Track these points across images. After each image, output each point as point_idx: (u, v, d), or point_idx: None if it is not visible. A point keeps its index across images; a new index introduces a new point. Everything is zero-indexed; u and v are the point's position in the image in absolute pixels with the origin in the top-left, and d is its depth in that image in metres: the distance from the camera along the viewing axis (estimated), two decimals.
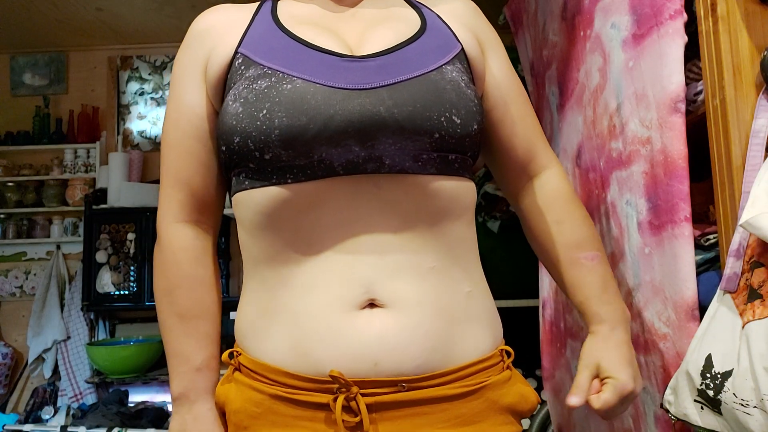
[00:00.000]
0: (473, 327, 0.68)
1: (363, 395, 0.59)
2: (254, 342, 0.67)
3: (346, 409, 0.59)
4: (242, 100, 0.61)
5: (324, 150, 0.59)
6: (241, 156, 0.62)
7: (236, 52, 0.67)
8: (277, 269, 0.65)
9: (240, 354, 0.69)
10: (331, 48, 0.65)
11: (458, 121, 0.62)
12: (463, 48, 0.71)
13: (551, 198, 0.76)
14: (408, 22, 0.70)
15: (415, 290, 0.62)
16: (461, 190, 0.67)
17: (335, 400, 0.59)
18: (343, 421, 0.58)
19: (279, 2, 0.74)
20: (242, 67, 0.65)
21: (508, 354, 0.71)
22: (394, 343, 0.60)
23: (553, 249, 0.76)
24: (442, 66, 0.65)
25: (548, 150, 0.78)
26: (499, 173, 0.81)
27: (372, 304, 0.61)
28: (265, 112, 0.60)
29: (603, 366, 0.70)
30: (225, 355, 0.72)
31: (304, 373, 0.61)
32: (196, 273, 0.75)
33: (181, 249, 0.74)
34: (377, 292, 0.61)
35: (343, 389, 0.59)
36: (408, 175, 0.61)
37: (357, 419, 0.59)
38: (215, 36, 0.70)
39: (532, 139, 0.77)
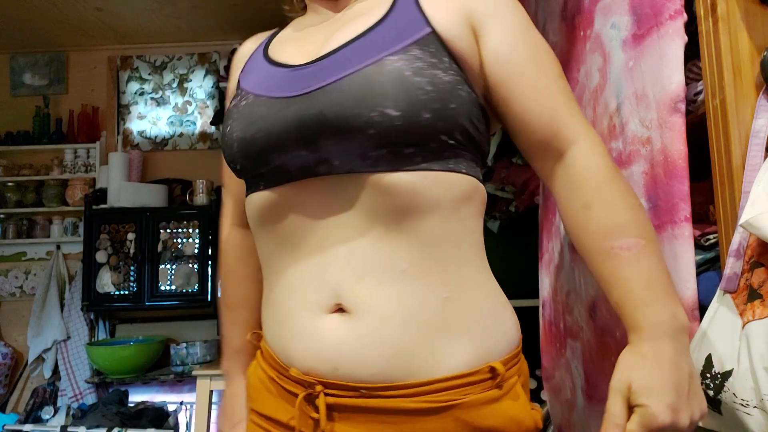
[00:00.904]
0: (450, 338, 0.61)
1: (326, 395, 0.62)
2: (263, 328, 0.74)
3: (312, 405, 0.63)
4: (224, 122, 0.71)
5: (277, 157, 0.63)
6: (231, 169, 0.71)
7: (239, 81, 0.75)
8: (272, 269, 0.70)
9: (261, 337, 0.76)
10: (291, 60, 0.69)
11: (395, 114, 0.58)
12: (434, 30, 0.63)
13: (579, 179, 0.64)
14: (374, 15, 0.67)
15: (380, 295, 0.61)
16: (426, 183, 0.61)
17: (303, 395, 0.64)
18: (311, 416, 0.63)
19: (293, 21, 0.83)
20: (237, 93, 0.73)
21: (493, 371, 0.62)
22: (351, 349, 0.61)
23: (584, 240, 0.63)
24: (383, 58, 0.60)
25: (575, 121, 0.66)
26: (527, 156, 0.71)
27: (341, 309, 0.63)
28: (228, 128, 0.68)
29: (633, 389, 0.57)
30: (249, 335, 0.80)
31: (285, 364, 0.67)
32: (240, 269, 0.85)
33: (230, 248, 0.87)
34: (343, 297, 0.62)
35: (308, 387, 0.63)
36: (360, 174, 0.61)
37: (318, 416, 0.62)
38: (236, 68, 0.80)
39: (551, 112, 0.65)
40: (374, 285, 0.61)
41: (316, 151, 0.61)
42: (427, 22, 0.64)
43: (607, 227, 0.62)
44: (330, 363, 0.61)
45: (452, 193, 0.63)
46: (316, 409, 0.62)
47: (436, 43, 0.63)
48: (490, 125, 0.71)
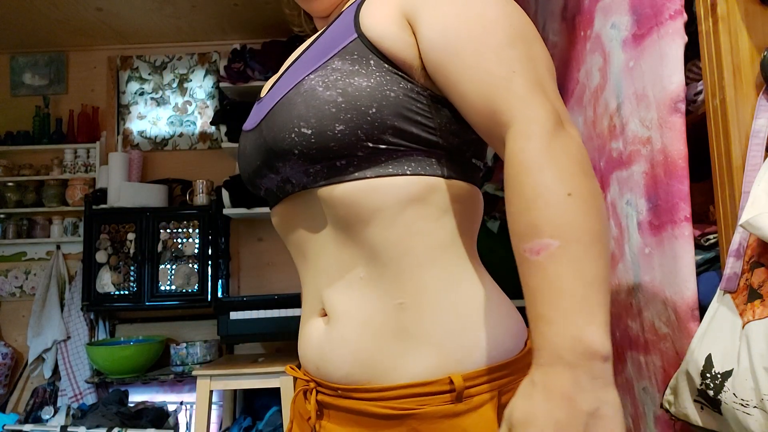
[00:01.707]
0: (408, 344, 0.60)
1: (318, 392, 0.66)
2: None
3: (308, 400, 0.68)
4: None
5: (260, 182, 0.71)
6: None
7: None
8: (300, 274, 0.75)
9: None
10: (265, 91, 0.76)
11: (309, 132, 0.60)
12: (361, 35, 0.63)
13: (506, 170, 0.55)
14: (319, 34, 0.71)
15: (344, 301, 0.64)
16: (361, 193, 0.61)
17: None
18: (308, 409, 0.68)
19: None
20: None
21: (451, 384, 0.59)
22: (325, 351, 0.65)
23: (512, 243, 0.55)
24: (304, 78, 0.62)
25: (512, 99, 0.55)
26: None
27: (325, 313, 0.67)
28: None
29: (513, 421, 0.49)
30: None
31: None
32: None
33: None
34: (324, 302, 0.67)
35: (304, 382, 0.69)
36: (311, 190, 0.65)
37: (316, 408, 0.67)
38: None
39: (487, 93, 0.56)
40: (341, 291, 0.65)
41: (278, 173, 0.67)
42: (356, 28, 0.63)
43: (520, 226, 0.52)
44: (313, 363, 0.67)
45: (392, 199, 0.61)
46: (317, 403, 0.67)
47: (360, 47, 0.62)
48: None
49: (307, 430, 0.69)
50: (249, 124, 0.72)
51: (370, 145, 0.60)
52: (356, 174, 0.61)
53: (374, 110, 0.59)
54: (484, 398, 0.59)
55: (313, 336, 0.67)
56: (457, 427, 0.58)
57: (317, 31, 0.86)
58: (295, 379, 0.74)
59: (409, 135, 0.61)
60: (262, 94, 0.77)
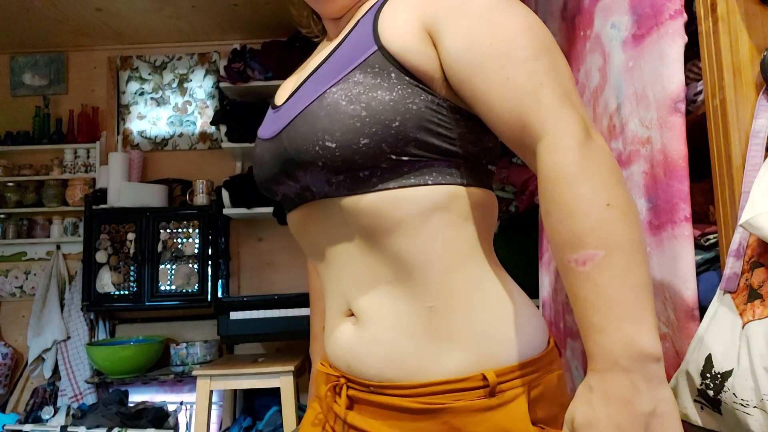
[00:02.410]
0: (441, 344, 0.63)
1: (349, 387, 0.69)
2: None
3: (338, 395, 0.71)
4: None
5: (277, 188, 0.72)
6: None
7: None
8: (320, 276, 0.77)
9: None
10: (280, 99, 0.77)
11: (333, 146, 0.61)
12: (381, 47, 0.63)
13: (542, 180, 0.57)
14: (340, 38, 0.71)
15: (376, 304, 0.67)
16: (384, 204, 0.63)
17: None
18: (336, 403, 0.71)
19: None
20: None
21: (485, 379, 0.62)
22: (357, 351, 0.68)
23: (552, 251, 0.58)
24: (326, 91, 0.64)
25: (541, 111, 0.57)
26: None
27: (353, 314, 0.70)
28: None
29: (575, 425, 0.53)
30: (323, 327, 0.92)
31: (328, 360, 0.76)
32: None
33: None
34: (351, 304, 0.69)
35: (335, 378, 0.72)
36: (333, 199, 0.67)
37: (347, 403, 0.70)
38: None
39: (515, 106, 0.58)
40: (370, 295, 0.67)
41: (298, 181, 0.68)
42: (376, 40, 0.64)
43: (563, 237, 0.54)
44: (344, 361, 0.70)
45: (415, 209, 0.63)
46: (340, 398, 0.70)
47: (381, 60, 0.63)
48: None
49: (322, 423, 0.74)
50: (265, 132, 0.73)
51: (394, 157, 0.62)
52: (379, 185, 0.63)
53: (398, 123, 0.61)
54: (516, 393, 0.62)
55: (342, 336, 0.70)
56: (489, 420, 0.60)
57: (326, 32, 0.85)
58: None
59: (431, 146, 0.63)
60: (277, 101, 0.77)
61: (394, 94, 0.62)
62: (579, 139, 0.55)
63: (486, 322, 0.64)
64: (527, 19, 0.61)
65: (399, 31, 0.64)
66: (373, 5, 0.70)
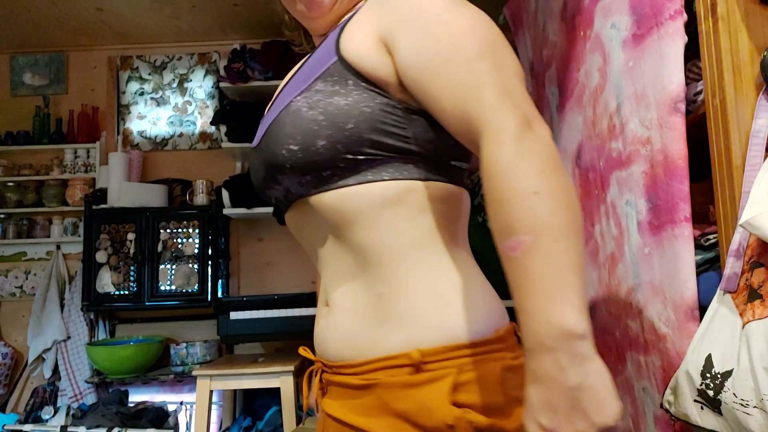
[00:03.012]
0: (382, 327, 0.68)
1: (323, 372, 0.76)
2: None
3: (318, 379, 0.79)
4: None
5: (268, 193, 0.78)
6: None
7: None
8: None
9: None
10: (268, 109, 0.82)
11: (296, 148, 0.68)
12: (341, 57, 0.69)
13: (482, 176, 0.60)
14: (309, 55, 0.78)
15: (339, 294, 0.73)
16: (344, 199, 0.69)
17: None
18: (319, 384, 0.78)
19: None
20: None
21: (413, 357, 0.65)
22: (324, 335, 0.75)
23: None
24: (292, 100, 0.70)
25: (483, 108, 0.60)
26: None
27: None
28: None
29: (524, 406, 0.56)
30: None
31: None
32: None
33: None
34: (328, 296, 0.76)
35: (314, 363, 0.79)
36: (306, 198, 0.72)
37: (321, 387, 0.78)
38: None
39: (460, 105, 0.62)
40: (338, 285, 0.74)
41: (280, 184, 0.74)
42: (337, 51, 0.70)
43: (499, 226, 0.57)
44: (317, 345, 0.77)
45: (371, 202, 0.69)
46: (320, 382, 0.78)
47: (340, 69, 0.69)
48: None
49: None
50: (255, 140, 0.79)
51: (350, 156, 0.67)
52: (340, 182, 0.69)
53: (352, 125, 0.66)
54: (443, 373, 0.64)
55: (319, 323, 0.78)
56: (413, 397, 0.64)
57: (316, 48, 0.92)
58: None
59: (385, 145, 0.68)
60: (267, 110, 0.84)
61: (350, 99, 0.67)
62: (514, 132, 0.57)
63: (426, 304, 0.67)
64: (472, 21, 0.65)
65: (356, 42, 0.69)
66: (342, 22, 0.76)
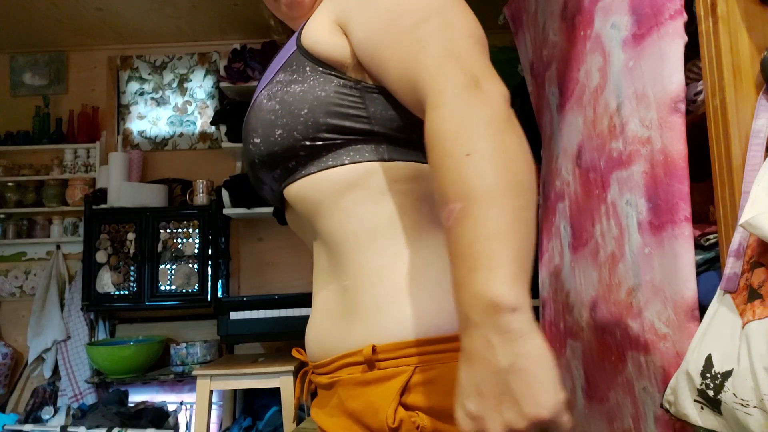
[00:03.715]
0: (346, 321, 0.65)
1: (314, 373, 0.74)
2: None
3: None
4: None
5: (262, 193, 0.77)
6: None
7: None
8: None
9: None
10: None
11: (258, 141, 0.68)
12: (299, 47, 0.69)
13: (425, 143, 0.55)
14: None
15: (317, 291, 0.74)
16: (307, 188, 0.68)
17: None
18: (308, 385, 0.77)
19: None
20: None
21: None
22: (306, 337, 0.75)
23: None
24: (257, 96, 0.71)
25: (426, 73, 0.56)
26: None
27: None
28: None
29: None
30: None
31: None
32: None
33: None
34: (313, 294, 0.75)
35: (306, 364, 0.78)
36: (282, 191, 0.72)
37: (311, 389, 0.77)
38: None
39: (406, 73, 0.58)
40: (317, 282, 0.74)
41: (264, 183, 0.74)
42: (297, 41, 0.70)
43: (437, 194, 0.52)
44: (305, 346, 0.76)
45: (332, 189, 0.66)
46: (309, 383, 0.77)
47: (298, 57, 0.68)
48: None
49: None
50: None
51: (308, 143, 0.66)
52: (303, 172, 0.68)
53: (306, 111, 0.65)
54: (397, 371, 0.59)
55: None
56: (364, 396, 0.60)
57: None
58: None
59: (342, 128, 0.65)
60: None
61: (305, 85, 0.66)
62: (454, 92, 0.52)
63: (383, 297, 0.63)
64: None
65: (313, 29, 0.69)
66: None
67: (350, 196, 0.66)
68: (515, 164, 0.50)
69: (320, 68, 0.66)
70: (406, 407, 0.58)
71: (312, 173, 0.67)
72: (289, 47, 0.72)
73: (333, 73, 0.66)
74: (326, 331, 0.69)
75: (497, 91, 0.53)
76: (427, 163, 0.64)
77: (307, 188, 0.68)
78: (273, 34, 0.99)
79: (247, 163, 0.73)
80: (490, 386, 0.45)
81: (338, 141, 0.66)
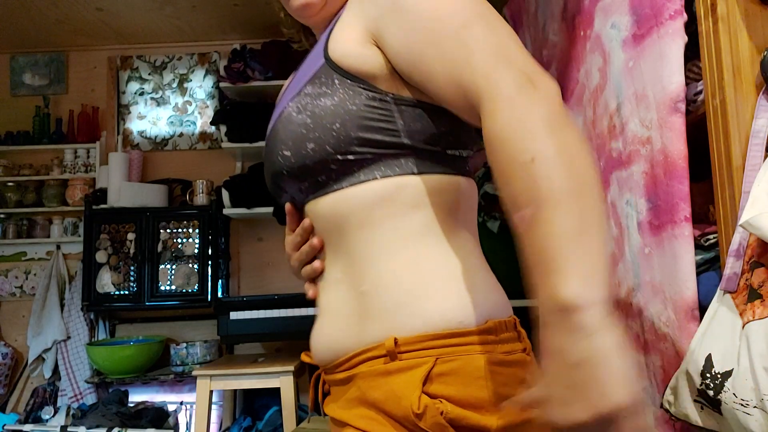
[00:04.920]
0: (363, 322, 0.67)
1: (324, 373, 0.77)
2: None
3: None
4: None
5: (279, 201, 0.79)
6: None
7: None
8: None
9: None
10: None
11: (288, 153, 0.68)
12: (328, 59, 0.68)
13: (486, 148, 0.57)
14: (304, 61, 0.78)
15: (326, 300, 0.73)
16: (339, 203, 0.68)
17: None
18: (322, 386, 0.79)
19: None
20: None
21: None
22: (313, 342, 0.75)
23: None
24: (285, 106, 0.70)
25: (477, 76, 0.57)
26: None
27: None
28: None
29: None
30: None
31: None
32: None
33: None
34: (318, 302, 0.76)
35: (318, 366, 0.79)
36: (306, 204, 0.73)
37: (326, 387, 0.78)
38: None
39: (454, 79, 0.59)
40: (325, 291, 0.74)
41: (286, 191, 0.75)
42: (325, 54, 0.69)
43: (507, 201, 0.54)
44: (312, 351, 0.77)
45: (363, 203, 0.67)
46: (323, 384, 0.79)
47: (327, 70, 0.68)
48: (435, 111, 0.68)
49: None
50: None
51: (340, 157, 0.66)
52: (334, 186, 0.68)
53: (338, 125, 0.65)
54: (418, 362, 0.62)
55: (313, 330, 0.78)
56: (385, 384, 0.63)
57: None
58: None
59: (375, 142, 0.66)
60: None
61: (336, 98, 0.66)
62: (510, 94, 0.54)
63: (406, 294, 0.65)
64: None
65: (342, 40, 0.69)
66: (332, 23, 0.75)
67: (381, 209, 0.67)
68: (578, 163, 0.51)
69: (349, 81, 0.67)
70: (429, 395, 0.60)
71: (343, 188, 0.68)
72: (315, 59, 0.71)
73: (362, 85, 0.66)
74: (340, 333, 0.70)
75: (551, 87, 0.55)
76: (452, 173, 0.70)
77: (338, 202, 0.68)
78: (282, 27, 0.97)
79: (272, 173, 0.73)
80: (561, 380, 0.47)
81: (369, 155, 0.67)
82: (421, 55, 0.62)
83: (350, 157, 0.66)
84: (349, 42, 0.68)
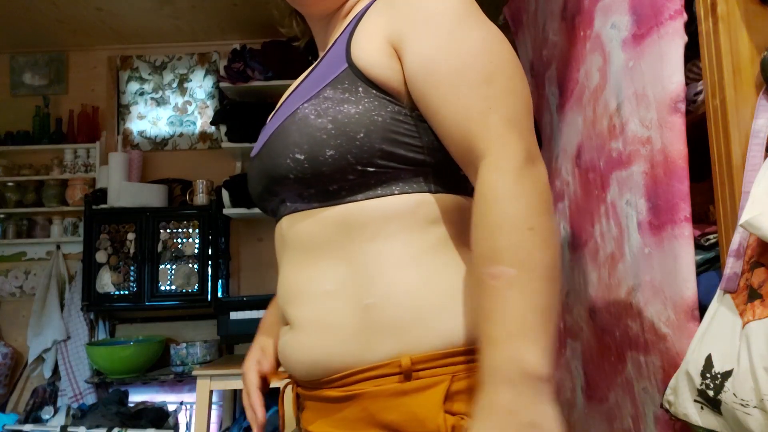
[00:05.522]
0: (367, 337, 0.64)
1: (297, 386, 0.74)
2: None
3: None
4: None
5: (265, 205, 0.77)
6: None
7: None
8: None
9: None
10: (270, 117, 0.80)
11: (302, 157, 0.65)
12: (351, 64, 0.67)
13: (477, 196, 0.60)
14: (318, 61, 0.76)
15: (307, 312, 0.69)
16: (352, 212, 0.66)
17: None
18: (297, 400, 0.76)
19: None
20: None
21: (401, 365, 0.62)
22: (288, 354, 0.71)
23: (473, 261, 0.60)
24: (299, 107, 0.67)
25: (488, 133, 0.60)
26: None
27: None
28: None
29: None
30: None
31: None
32: None
33: None
34: (286, 314, 0.73)
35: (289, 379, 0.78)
36: (302, 212, 0.70)
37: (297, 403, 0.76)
38: None
39: (464, 124, 0.61)
40: (304, 303, 0.69)
41: (277, 195, 0.72)
42: (348, 57, 0.67)
43: (484, 251, 0.57)
44: (283, 363, 0.74)
45: (377, 216, 0.66)
46: (296, 397, 0.75)
47: (350, 76, 0.66)
48: None
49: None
50: (254, 150, 0.77)
51: (360, 168, 0.64)
52: (347, 197, 0.66)
53: (362, 135, 0.64)
54: (435, 380, 0.61)
55: (282, 340, 0.74)
56: (403, 406, 0.60)
57: (310, 33, 0.89)
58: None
59: (397, 157, 0.65)
60: (269, 119, 0.81)
61: (360, 107, 0.65)
62: (518, 163, 0.58)
63: (418, 310, 0.63)
64: (486, 40, 0.63)
65: (367, 47, 0.67)
66: (352, 19, 0.73)
67: (396, 224, 0.66)
68: (558, 249, 0.57)
69: (374, 91, 0.65)
70: (451, 414, 0.60)
71: (358, 200, 0.66)
72: (336, 61, 0.69)
73: (387, 98, 0.65)
74: (331, 348, 0.66)
75: (545, 172, 0.60)
76: (465, 194, 0.71)
77: (350, 213, 0.66)
78: (279, 27, 0.95)
79: (271, 176, 0.69)
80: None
81: (390, 170, 0.65)
82: (436, 88, 0.62)
83: (370, 169, 0.65)
84: (374, 51, 0.66)
